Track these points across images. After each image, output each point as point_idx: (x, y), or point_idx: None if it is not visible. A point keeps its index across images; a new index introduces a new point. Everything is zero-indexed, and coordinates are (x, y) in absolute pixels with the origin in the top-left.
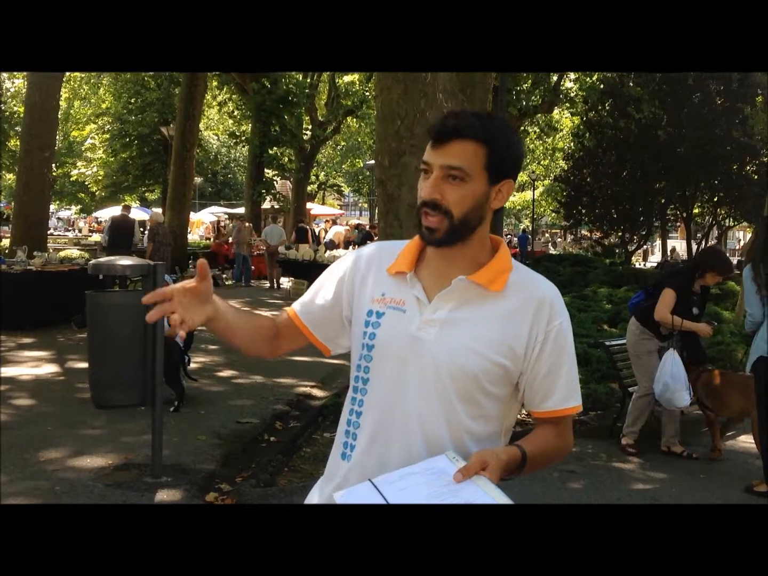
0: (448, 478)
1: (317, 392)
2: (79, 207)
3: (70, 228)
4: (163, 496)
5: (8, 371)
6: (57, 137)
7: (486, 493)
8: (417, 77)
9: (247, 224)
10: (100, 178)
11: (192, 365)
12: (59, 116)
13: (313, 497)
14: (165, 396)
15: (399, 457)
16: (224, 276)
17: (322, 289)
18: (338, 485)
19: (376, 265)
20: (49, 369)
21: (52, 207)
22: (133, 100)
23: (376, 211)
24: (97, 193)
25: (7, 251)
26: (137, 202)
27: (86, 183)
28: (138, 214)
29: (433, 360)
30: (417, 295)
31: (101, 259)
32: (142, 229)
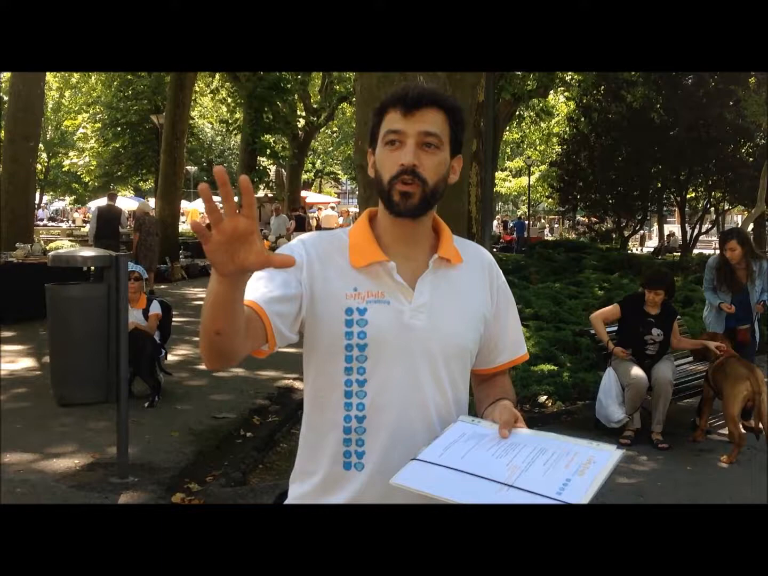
0: (491, 437)
1: (299, 384)
2: (72, 197)
3: (63, 219)
4: (127, 497)
5: None
6: (49, 127)
7: (544, 438)
8: None
9: None
10: (92, 168)
11: (171, 358)
12: (50, 106)
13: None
14: (140, 391)
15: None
16: None
17: (276, 278)
18: (355, 497)
19: (329, 259)
20: (26, 364)
21: (46, 198)
22: (123, 89)
23: (357, 196)
24: (90, 184)
25: None
26: (131, 192)
27: (79, 173)
28: (132, 204)
29: (438, 346)
30: (400, 283)
31: (61, 251)
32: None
